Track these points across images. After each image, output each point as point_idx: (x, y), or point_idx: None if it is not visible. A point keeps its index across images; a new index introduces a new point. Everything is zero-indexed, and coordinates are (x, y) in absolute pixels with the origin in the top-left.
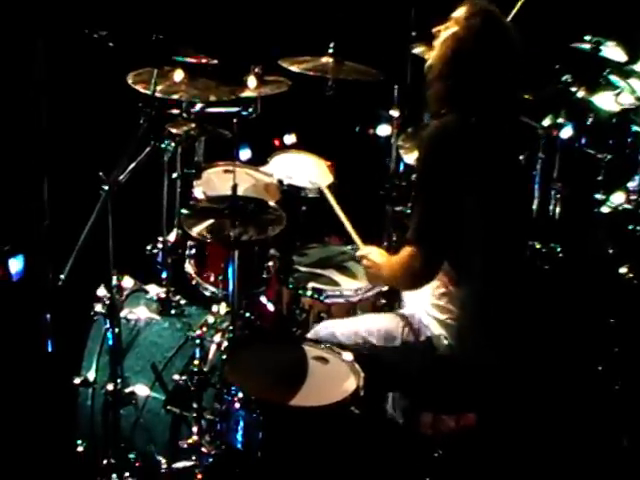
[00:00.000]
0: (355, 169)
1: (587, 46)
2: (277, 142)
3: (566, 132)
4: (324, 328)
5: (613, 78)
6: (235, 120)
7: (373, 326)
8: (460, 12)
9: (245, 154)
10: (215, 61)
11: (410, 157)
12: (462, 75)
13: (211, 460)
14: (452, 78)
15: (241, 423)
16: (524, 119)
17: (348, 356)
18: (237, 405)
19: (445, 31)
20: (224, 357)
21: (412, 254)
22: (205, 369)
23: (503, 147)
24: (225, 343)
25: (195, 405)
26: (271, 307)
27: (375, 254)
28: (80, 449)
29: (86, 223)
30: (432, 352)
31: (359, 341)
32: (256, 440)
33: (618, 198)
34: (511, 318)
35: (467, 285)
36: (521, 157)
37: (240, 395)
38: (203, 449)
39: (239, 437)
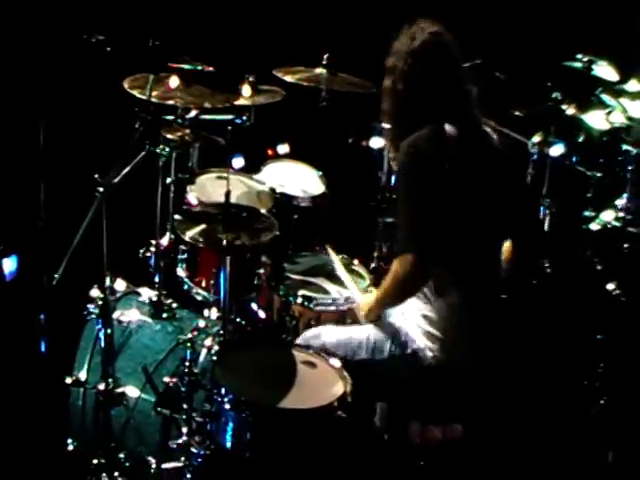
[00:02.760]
0: (347, 180)
1: (579, 65)
2: (270, 151)
3: (556, 149)
4: (313, 336)
5: (604, 97)
6: (229, 128)
7: (362, 338)
8: (401, 43)
9: (238, 162)
10: (211, 68)
11: None
12: (416, 103)
13: (201, 460)
14: (407, 107)
15: (230, 424)
16: (513, 135)
17: (336, 362)
18: (227, 406)
19: (390, 65)
20: (214, 359)
21: (403, 261)
22: (196, 371)
23: (474, 158)
24: (216, 347)
25: (185, 406)
26: (262, 313)
27: (366, 297)
28: (71, 448)
29: (80, 224)
30: (418, 364)
31: (347, 352)
32: (245, 441)
33: (607, 216)
34: (495, 331)
35: (446, 295)
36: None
37: (230, 396)
38: (193, 449)
39: (228, 438)
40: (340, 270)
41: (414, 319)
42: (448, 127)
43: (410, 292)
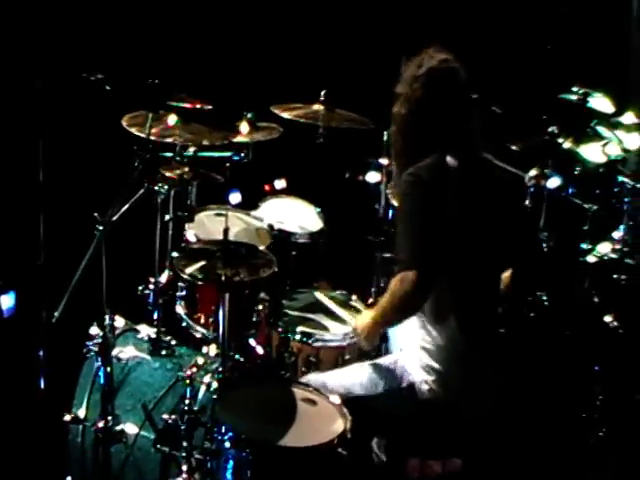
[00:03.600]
0: (344, 215)
1: (574, 97)
2: (267, 187)
3: (553, 182)
4: (312, 381)
5: (600, 129)
6: (227, 165)
7: (355, 378)
8: (408, 72)
9: (235, 197)
10: (209, 107)
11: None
12: (419, 129)
13: None
14: (411, 133)
15: (230, 462)
16: (510, 168)
17: (336, 399)
18: (227, 444)
19: (397, 92)
20: (214, 397)
21: (403, 279)
22: (195, 408)
23: (475, 187)
24: (214, 384)
25: (185, 444)
26: (260, 350)
27: (361, 316)
28: None
29: (80, 262)
30: (415, 397)
31: (345, 389)
32: (245, 479)
33: (604, 248)
34: (492, 363)
35: (445, 322)
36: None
37: (230, 434)
38: None
39: (229, 475)
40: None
41: (412, 352)
42: (449, 158)
43: (409, 311)
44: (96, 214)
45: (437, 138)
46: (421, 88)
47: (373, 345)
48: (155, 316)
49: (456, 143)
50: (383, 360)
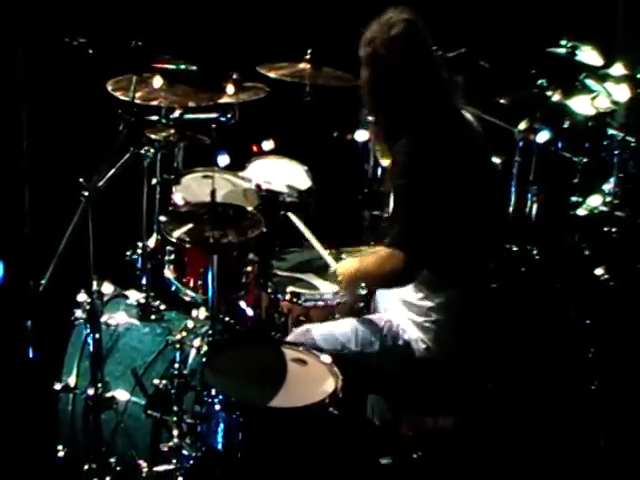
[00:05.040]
0: (333, 174)
1: (563, 51)
2: (255, 148)
3: (542, 136)
4: (303, 333)
5: (589, 82)
6: (214, 126)
7: (351, 332)
8: (376, 29)
9: (224, 160)
10: (194, 67)
11: (387, 161)
12: (399, 91)
13: (192, 462)
14: (391, 96)
15: (221, 425)
16: (499, 122)
17: (326, 358)
18: (217, 407)
19: (367, 54)
20: (204, 360)
21: (394, 256)
22: (185, 372)
23: (471, 152)
24: (205, 347)
25: (175, 408)
26: (250, 311)
27: (346, 262)
28: (61, 454)
29: (66, 229)
30: (410, 355)
31: (337, 347)
32: (236, 441)
33: (594, 201)
34: (488, 320)
35: (445, 290)
36: (498, 161)
37: (220, 397)
38: (184, 452)
39: (219, 439)
40: (312, 239)
41: (405, 312)
42: (439, 129)
43: (393, 287)
44: (81, 180)
45: (418, 96)
46: (399, 49)
47: (352, 295)
48: (144, 281)
49: (435, 98)
50: (375, 317)
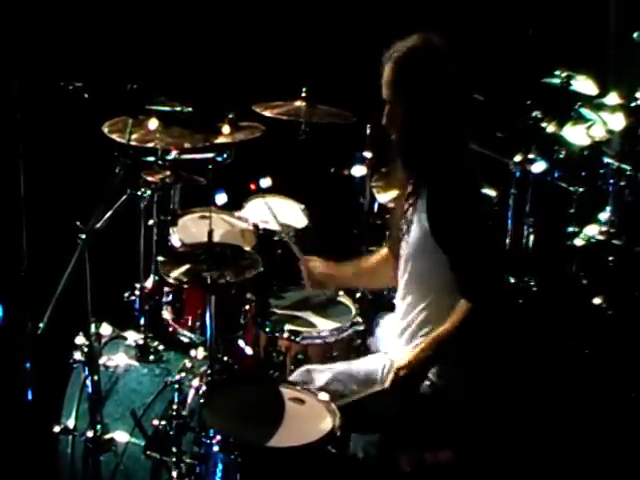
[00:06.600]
0: (331, 210)
1: (557, 80)
2: (253, 186)
3: (538, 166)
4: (303, 373)
5: (584, 111)
6: (210, 166)
7: (352, 370)
8: (399, 50)
9: (221, 198)
10: (189, 108)
11: (383, 196)
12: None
13: None
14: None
15: (220, 465)
16: (494, 155)
17: (324, 396)
18: (215, 448)
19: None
20: (202, 401)
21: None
22: (184, 413)
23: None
24: (203, 387)
25: (174, 449)
26: (249, 350)
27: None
28: None
29: (64, 271)
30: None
31: (339, 387)
32: None
33: (591, 230)
34: (488, 353)
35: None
36: (493, 194)
37: (218, 438)
38: None
39: None
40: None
41: (410, 346)
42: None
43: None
44: (78, 223)
45: (443, 124)
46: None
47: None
48: (142, 322)
49: (456, 130)
50: (375, 356)
